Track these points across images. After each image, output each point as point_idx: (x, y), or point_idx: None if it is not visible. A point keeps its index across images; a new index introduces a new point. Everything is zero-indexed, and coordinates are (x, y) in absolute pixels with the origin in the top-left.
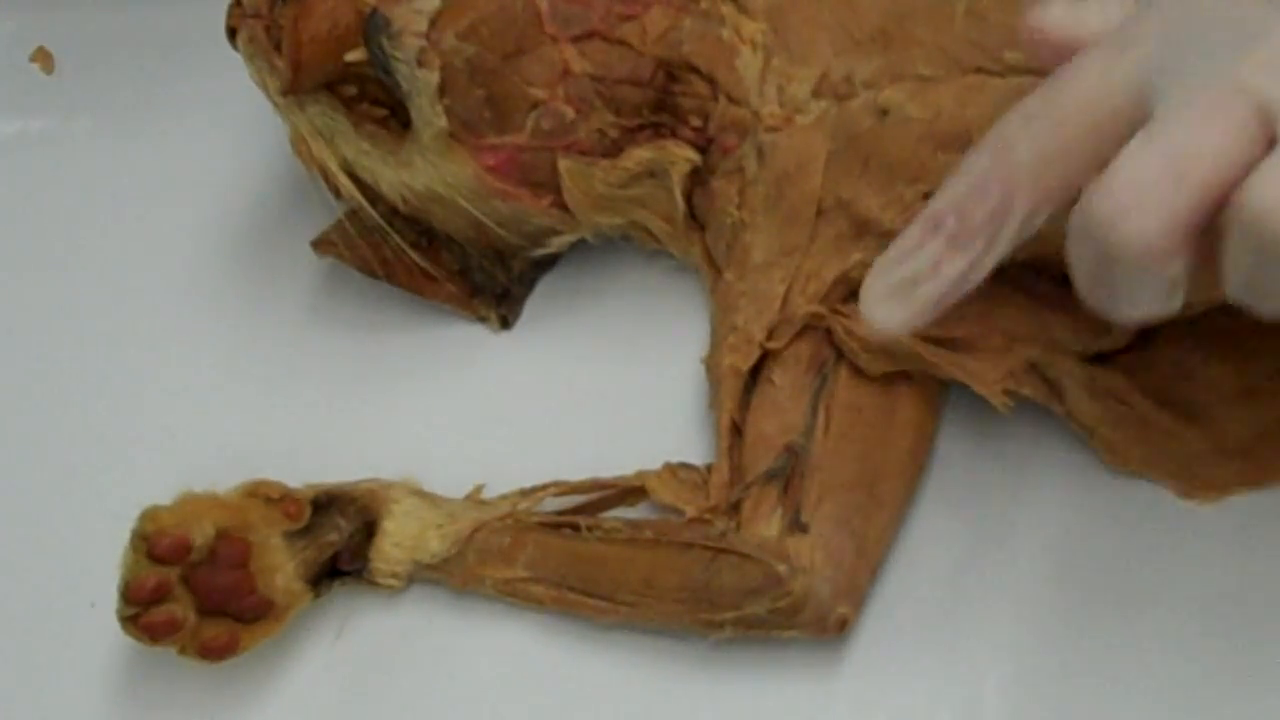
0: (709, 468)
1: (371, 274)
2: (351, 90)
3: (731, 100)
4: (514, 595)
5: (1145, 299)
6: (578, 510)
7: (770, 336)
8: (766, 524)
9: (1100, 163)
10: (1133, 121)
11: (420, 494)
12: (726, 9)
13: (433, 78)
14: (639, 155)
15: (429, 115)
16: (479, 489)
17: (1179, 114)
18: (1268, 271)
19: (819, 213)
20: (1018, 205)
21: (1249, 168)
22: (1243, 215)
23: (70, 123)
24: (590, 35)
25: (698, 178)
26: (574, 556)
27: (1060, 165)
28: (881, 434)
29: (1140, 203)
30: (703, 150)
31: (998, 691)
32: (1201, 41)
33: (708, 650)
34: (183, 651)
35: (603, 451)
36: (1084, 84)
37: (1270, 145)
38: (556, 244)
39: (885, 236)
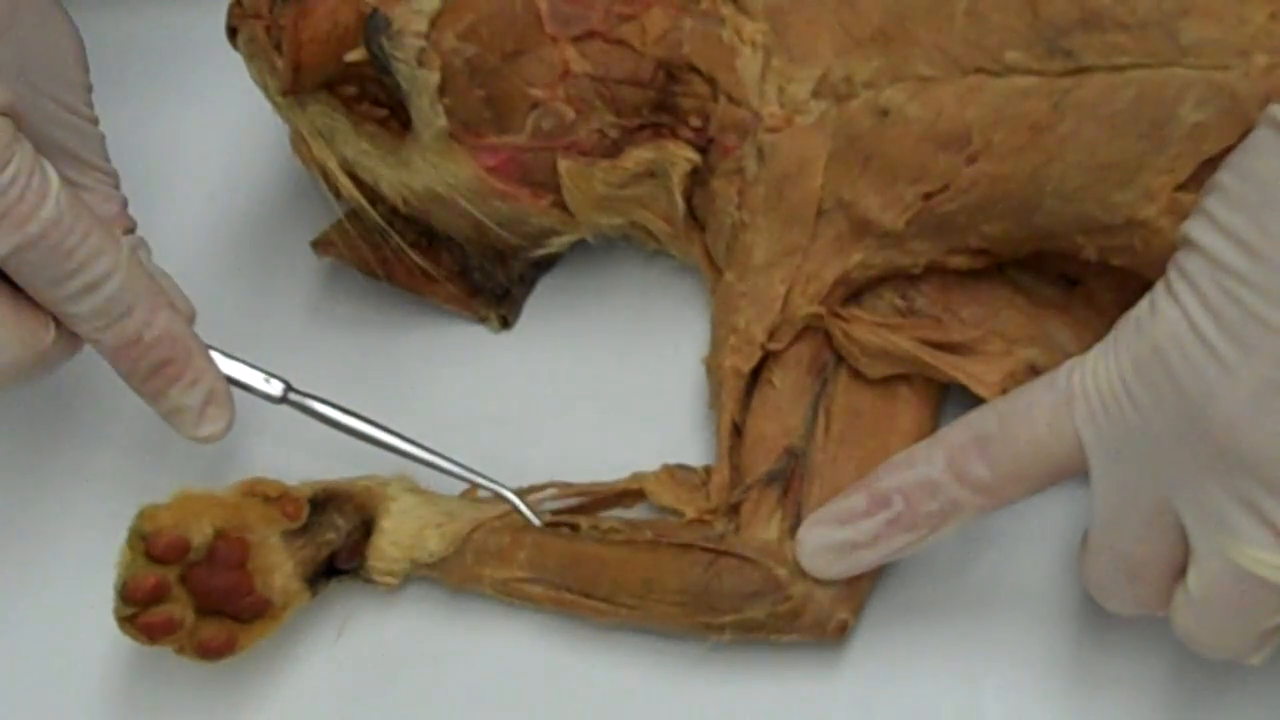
0: (706, 469)
1: (371, 274)
2: (351, 90)
3: (732, 101)
4: (512, 595)
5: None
6: (575, 511)
7: (771, 337)
8: (766, 527)
9: (1041, 487)
10: (1071, 465)
11: (418, 491)
12: (726, 9)
13: (433, 78)
14: (639, 155)
15: (429, 115)
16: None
17: (1125, 519)
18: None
19: (819, 213)
20: (966, 510)
21: (1182, 563)
22: (1174, 628)
23: None
24: (590, 35)
25: (698, 178)
26: (572, 557)
27: (1010, 487)
28: (881, 437)
29: (1112, 595)
30: (703, 150)
31: (997, 692)
32: (1143, 424)
33: (707, 651)
34: (181, 651)
35: (602, 451)
36: (1034, 428)
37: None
38: (556, 244)
39: (885, 237)
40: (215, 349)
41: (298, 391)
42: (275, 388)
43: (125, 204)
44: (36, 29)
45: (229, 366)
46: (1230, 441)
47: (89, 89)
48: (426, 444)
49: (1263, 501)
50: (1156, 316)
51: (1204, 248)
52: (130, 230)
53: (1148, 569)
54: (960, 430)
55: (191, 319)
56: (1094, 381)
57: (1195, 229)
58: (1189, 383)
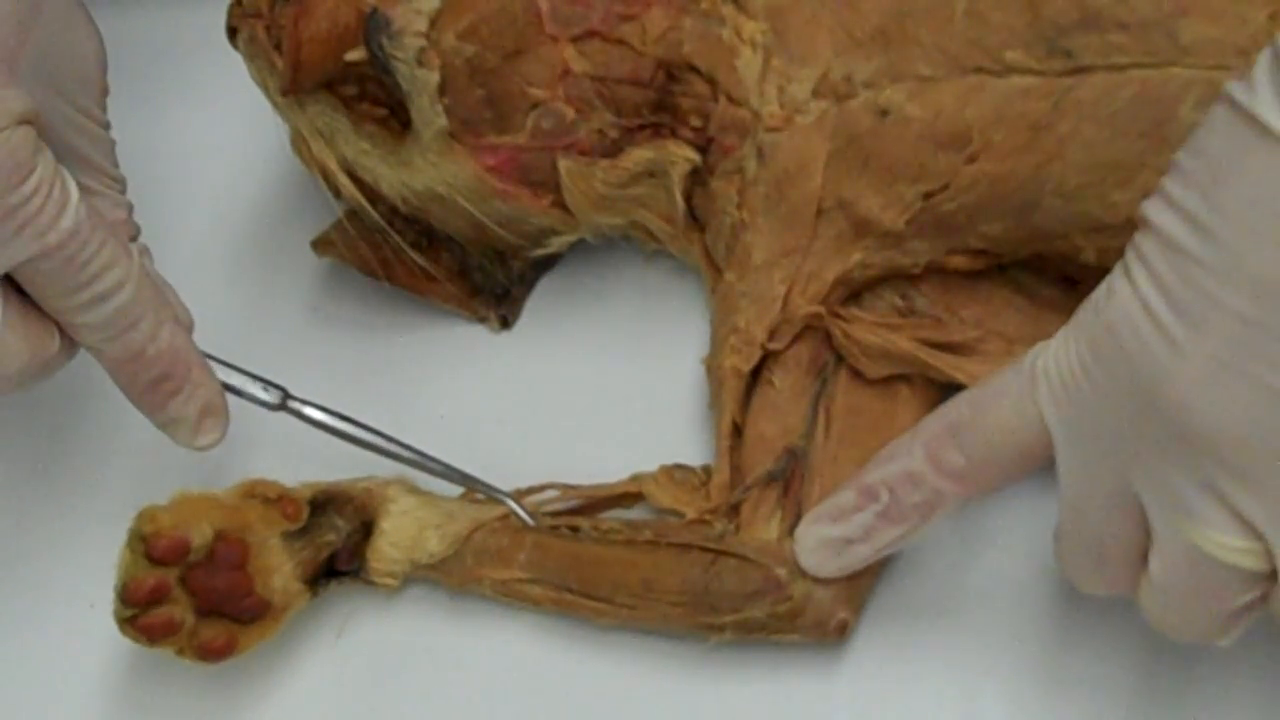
0: (706, 469)
1: (371, 274)
2: (351, 90)
3: (731, 100)
4: (512, 596)
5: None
6: (575, 512)
7: (771, 337)
8: (766, 526)
9: (1017, 473)
10: (1041, 449)
11: (417, 493)
12: (726, 9)
13: (433, 77)
14: (639, 155)
15: (429, 115)
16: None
17: (1089, 502)
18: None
19: (819, 213)
20: (948, 500)
21: (1147, 545)
22: (1141, 611)
23: None
24: (590, 35)
25: (698, 178)
26: (572, 558)
27: (985, 474)
28: (881, 437)
29: (1084, 578)
30: (703, 150)
31: (997, 692)
32: (1101, 405)
33: (708, 651)
34: (181, 653)
35: (602, 451)
36: (1002, 413)
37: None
38: (556, 244)
39: (885, 236)
40: (214, 358)
41: (296, 399)
42: (273, 395)
43: (131, 210)
44: (60, 28)
45: (228, 375)
46: (1184, 422)
47: (105, 93)
48: (425, 448)
49: (1220, 483)
50: (1112, 297)
51: (1158, 226)
52: (134, 237)
53: (1113, 551)
54: (936, 420)
55: (190, 329)
56: (1055, 364)
57: (1150, 208)
58: (1142, 363)
